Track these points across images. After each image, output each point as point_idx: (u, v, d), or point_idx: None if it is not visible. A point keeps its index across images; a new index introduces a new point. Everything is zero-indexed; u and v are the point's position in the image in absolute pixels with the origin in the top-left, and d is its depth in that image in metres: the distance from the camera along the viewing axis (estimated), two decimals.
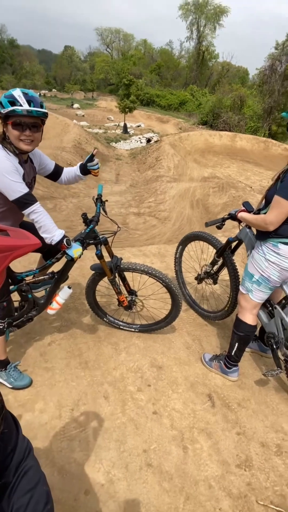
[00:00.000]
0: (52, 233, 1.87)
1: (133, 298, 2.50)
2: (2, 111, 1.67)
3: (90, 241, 2.09)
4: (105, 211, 2.17)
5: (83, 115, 29.73)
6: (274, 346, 2.23)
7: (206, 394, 2.24)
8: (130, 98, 23.10)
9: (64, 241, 1.88)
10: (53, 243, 1.88)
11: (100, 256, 2.14)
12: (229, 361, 2.30)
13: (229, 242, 2.48)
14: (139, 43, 68.67)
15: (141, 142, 19.86)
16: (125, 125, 23.40)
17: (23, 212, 1.81)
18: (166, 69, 53.99)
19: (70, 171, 2.19)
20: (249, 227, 2.34)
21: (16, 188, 1.73)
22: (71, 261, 2.01)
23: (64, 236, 1.90)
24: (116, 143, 19.28)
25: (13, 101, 1.65)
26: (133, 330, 2.70)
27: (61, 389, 2.12)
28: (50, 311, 2.11)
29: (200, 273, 2.86)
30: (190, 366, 2.45)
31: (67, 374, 2.23)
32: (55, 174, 2.17)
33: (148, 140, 19.79)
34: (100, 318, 2.69)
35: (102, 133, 21.12)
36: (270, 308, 2.25)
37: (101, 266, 2.25)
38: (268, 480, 1.80)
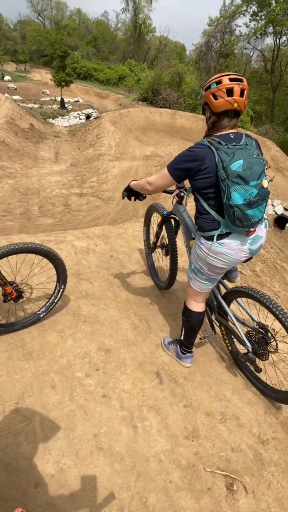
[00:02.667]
0: None
1: (18, 285, 2.28)
2: None
3: None
4: None
5: (15, 88, 27.61)
6: (209, 312, 2.40)
7: (154, 372, 2.29)
8: (66, 71, 21.78)
9: None
10: None
11: None
12: (182, 347, 2.33)
13: (164, 216, 2.58)
14: (73, 12, 64.75)
15: (80, 119, 19.08)
16: (62, 100, 22.24)
17: None
18: (103, 42, 51.82)
19: None
20: (180, 203, 2.40)
21: None
22: None
23: None
24: (53, 119, 18.30)
25: None
26: (40, 316, 2.47)
27: (3, 383, 2.01)
28: None
29: (150, 243, 3.04)
30: (138, 346, 2.47)
31: (9, 367, 2.12)
32: None
33: (88, 117, 19.07)
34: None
35: (37, 108, 19.85)
36: None
37: None
38: (214, 447, 1.91)
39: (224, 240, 1.77)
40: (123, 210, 7.04)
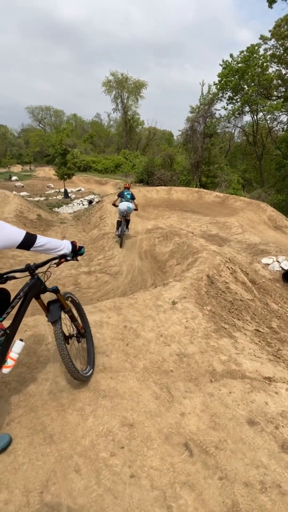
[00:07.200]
0: (63, 244, 2.21)
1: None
2: None
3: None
4: None
5: (22, 186, 30.14)
6: None
7: (183, 444, 2.15)
8: (67, 166, 24.02)
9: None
10: (69, 249, 2.25)
11: (56, 290, 2.32)
12: None
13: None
14: (70, 117, 73.69)
15: (83, 205, 20.42)
16: (65, 190, 24.07)
17: (31, 249, 2.00)
18: (98, 138, 57.95)
19: None
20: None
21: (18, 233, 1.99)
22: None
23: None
24: (58, 208, 19.61)
25: None
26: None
27: (26, 472, 1.91)
28: (6, 369, 2.01)
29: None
30: (162, 417, 2.37)
31: (31, 454, 2.03)
32: None
33: (90, 202, 20.43)
34: (78, 379, 2.47)
35: (43, 200, 21.41)
36: None
37: (58, 307, 2.34)
38: None
39: (120, 203, 8.90)
40: (131, 282, 7.17)
